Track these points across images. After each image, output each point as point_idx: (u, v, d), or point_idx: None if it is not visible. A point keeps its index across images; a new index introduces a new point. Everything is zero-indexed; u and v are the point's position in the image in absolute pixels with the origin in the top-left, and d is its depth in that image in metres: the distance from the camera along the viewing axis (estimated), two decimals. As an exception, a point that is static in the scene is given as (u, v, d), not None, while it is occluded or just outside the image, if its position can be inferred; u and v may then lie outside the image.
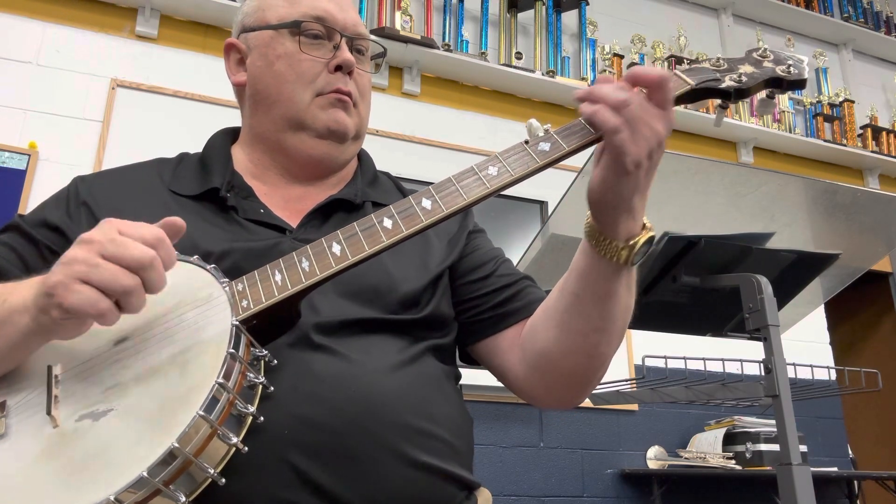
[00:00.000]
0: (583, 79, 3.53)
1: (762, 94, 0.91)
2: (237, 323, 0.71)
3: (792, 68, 0.87)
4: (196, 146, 1.06)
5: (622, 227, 0.78)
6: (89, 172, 1.02)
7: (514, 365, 0.95)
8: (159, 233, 0.70)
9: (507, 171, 0.77)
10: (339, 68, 0.97)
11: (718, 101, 0.88)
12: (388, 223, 0.76)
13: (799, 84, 0.88)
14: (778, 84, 0.88)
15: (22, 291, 0.72)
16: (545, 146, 0.79)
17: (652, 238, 0.79)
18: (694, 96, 0.86)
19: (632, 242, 0.78)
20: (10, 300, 0.73)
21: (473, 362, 1.04)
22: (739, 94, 0.86)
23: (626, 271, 0.82)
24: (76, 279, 0.66)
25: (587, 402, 1.07)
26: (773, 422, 1.37)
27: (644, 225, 0.80)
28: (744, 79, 0.86)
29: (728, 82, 0.86)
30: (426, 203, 0.77)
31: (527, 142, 0.80)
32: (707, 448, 3.04)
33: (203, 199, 0.94)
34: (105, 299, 0.66)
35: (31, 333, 0.71)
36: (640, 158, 0.73)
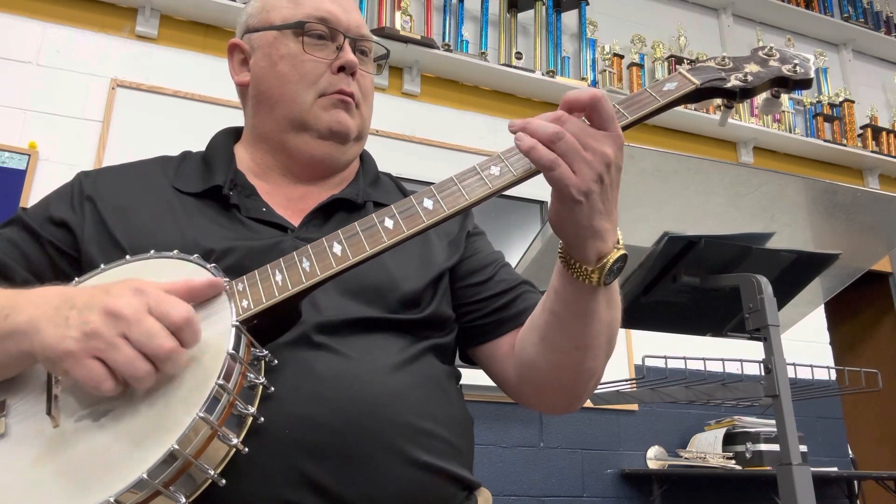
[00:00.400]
0: (583, 79, 3.53)
1: (767, 93, 0.90)
2: (237, 323, 0.70)
3: (798, 67, 0.86)
4: (196, 146, 1.06)
5: (590, 250, 0.76)
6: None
7: (509, 372, 0.96)
8: (188, 314, 0.67)
9: (509, 171, 0.77)
10: (342, 69, 0.97)
11: (722, 101, 0.88)
12: (389, 223, 0.76)
13: (805, 83, 0.87)
14: (784, 83, 0.87)
15: (28, 310, 0.70)
16: None
17: (623, 257, 0.78)
18: (699, 96, 0.85)
19: (601, 264, 0.77)
20: (13, 317, 0.71)
21: (472, 363, 1.04)
22: (745, 93, 0.85)
23: (603, 290, 0.81)
24: (91, 355, 0.65)
25: (587, 402, 1.06)
26: (773, 422, 1.37)
27: (618, 242, 0.78)
28: (749, 78, 0.85)
29: (733, 81, 0.85)
30: (428, 203, 0.77)
31: None
32: (707, 448, 3.04)
33: (206, 196, 0.94)
34: (111, 380, 0.65)
35: (30, 357, 0.70)
36: (587, 187, 0.72)
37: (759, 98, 0.90)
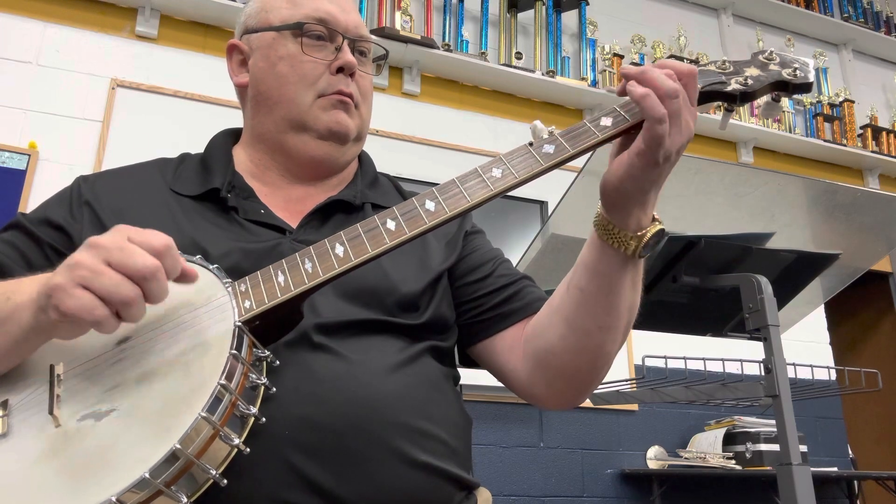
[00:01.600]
0: (583, 79, 3.53)
1: (768, 97, 0.90)
2: (240, 324, 0.71)
3: (798, 71, 0.87)
4: (196, 146, 1.06)
5: (633, 218, 0.78)
6: (89, 172, 1.02)
7: (516, 365, 0.95)
8: (167, 241, 0.69)
9: (511, 174, 0.77)
10: (340, 70, 0.97)
11: (723, 104, 0.88)
12: (391, 225, 0.76)
13: (805, 87, 0.88)
14: (784, 87, 0.88)
15: (27, 289, 0.72)
16: (549, 148, 0.78)
17: (661, 231, 0.79)
18: (700, 99, 0.85)
19: (641, 233, 0.79)
20: (14, 298, 0.73)
21: (473, 364, 1.04)
22: (745, 97, 0.86)
23: (633, 265, 0.82)
24: (77, 284, 0.66)
25: (587, 402, 1.06)
26: (773, 422, 1.37)
27: (654, 218, 0.80)
28: (749, 82, 0.86)
29: (734, 85, 0.85)
30: (430, 205, 0.77)
31: (531, 144, 0.79)
32: (707, 448, 3.04)
33: (204, 199, 0.94)
34: (103, 307, 0.65)
35: (31, 331, 0.71)
36: (671, 152, 0.74)
37: (760, 101, 0.90)
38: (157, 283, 0.67)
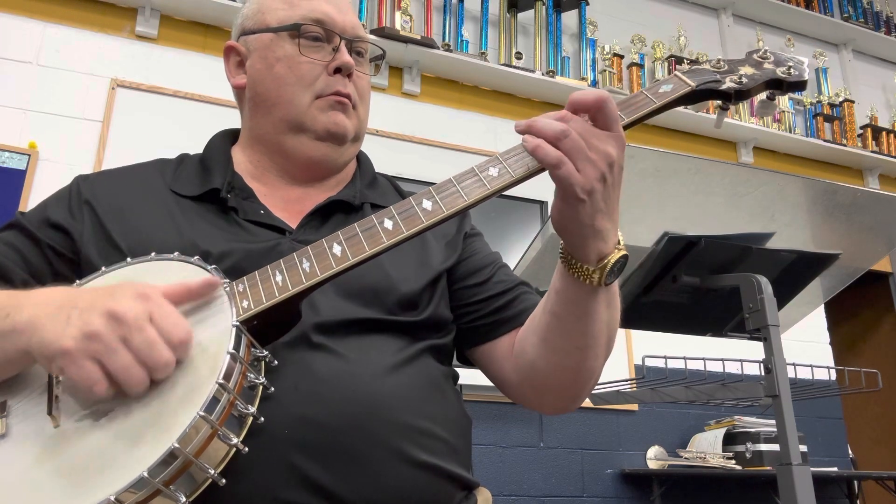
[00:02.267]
0: (583, 79, 3.53)
1: (762, 95, 0.91)
2: (238, 323, 0.71)
3: (792, 70, 0.87)
4: (196, 146, 1.06)
5: (591, 249, 0.77)
6: (89, 172, 1.02)
7: (508, 373, 0.96)
8: (186, 336, 0.68)
9: (507, 173, 0.77)
10: (338, 71, 0.97)
11: (719, 103, 0.88)
12: (388, 224, 0.76)
13: (799, 86, 0.88)
14: (778, 85, 0.88)
15: (29, 309, 0.70)
16: None
17: (624, 258, 0.78)
18: (694, 98, 0.86)
19: (602, 264, 0.78)
20: (13, 316, 0.71)
21: (469, 363, 1.04)
22: (740, 95, 0.86)
23: (603, 291, 0.81)
24: (89, 356, 0.65)
25: (587, 402, 1.07)
26: (773, 422, 1.37)
27: (618, 242, 0.79)
28: (744, 80, 0.86)
29: (728, 84, 0.86)
30: (427, 204, 0.77)
31: None
32: (707, 448, 3.04)
33: (203, 199, 0.94)
34: (105, 381, 0.65)
35: (28, 356, 0.70)
36: (591, 185, 0.73)
37: (756, 99, 0.90)
38: (166, 374, 0.67)
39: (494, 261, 1.04)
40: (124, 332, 0.65)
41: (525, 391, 0.95)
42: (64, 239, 0.90)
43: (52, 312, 0.69)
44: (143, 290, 0.69)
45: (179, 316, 0.69)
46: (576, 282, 0.80)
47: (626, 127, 0.80)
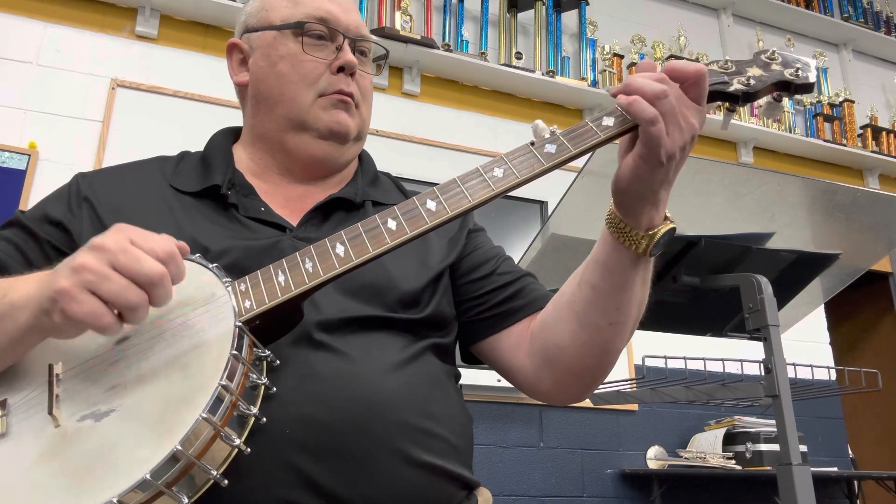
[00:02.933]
0: (583, 79, 3.53)
1: (769, 97, 0.90)
2: (240, 324, 0.70)
3: (800, 72, 0.87)
4: (196, 146, 1.06)
5: (645, 217, 0.78)
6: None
7: (522, 361, 0.95)
8: (171, 247, 0.69)
9: (512, 174, 0.77)
10: (341, 69, 0.97)
11: (725, 104, 0.88)
12: (392, 224, 0.76)
13: (807, 88, 0.88)
14: (786, 87, 0.88)
15: (24, 287, 0.72)
16: (551, 148, 0.78)
17: (673, 229, 0.80)
18: None
19: (652, 232, 0.79)
20: (10, 296, 0.72)
21: (475, 362, 1.04)
22: (747, 97, 0.86)
23: (644, 263, 0.83)
24: (83, 288, 0.65)
25: (587, 402, 1.07)
26: (773, 422, 1.37)
27: (666, 216, 0.80)
28: (752, 82, 0.86)
29: (736, 85, 0.85)
30: (431, 204, 0.77)
31: (532, 143, 0.79)
32: (707, 448, 3.04)
33: (204, 196, 0.94)
34: (109, 312, 0.65)
35: (28, 330, 0.71)
36: (674, 150, 0.74)
37: (761, 101, 0.90)
38: (163, 288, 0.67)
39: (498, 254, 1.04)
40: (109, 257, 0.66)
41: (541, 376, 0.94)
42: (63, 235, 0.90)
43: (43, 277, 0.70)
44: (120, 226, 0.71)
45: (160, 236, 0.70)
46: (619, 249, 0.81)
47: (633, 128, 0.80)
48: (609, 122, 0.78)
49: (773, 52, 0.89)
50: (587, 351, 0.89)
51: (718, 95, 0.85)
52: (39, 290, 0.69)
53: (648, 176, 0.76)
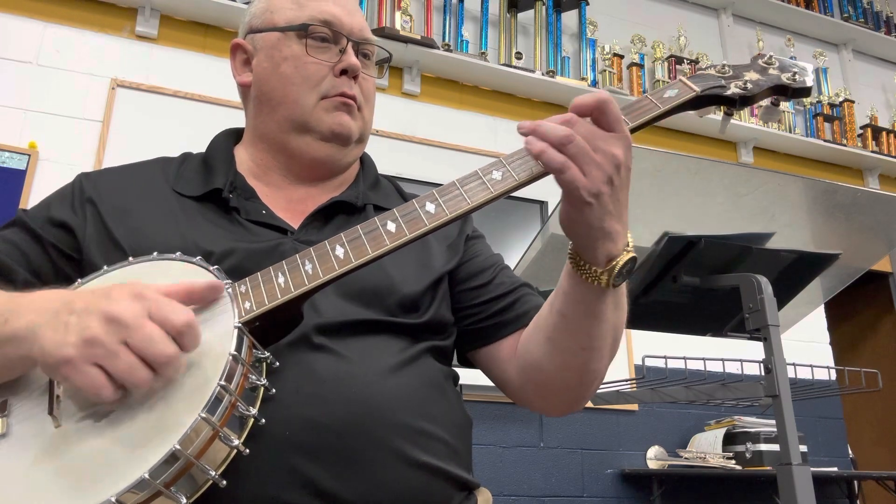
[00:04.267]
0: (583, 79, 3.53)
1: (767, 101, 0.91)
2: (240, 325, 0.71)
3: (797, 76, 0.87)
4: (196, 146, 1.06)
5: (600, 251, 0.76)
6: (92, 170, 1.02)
7: (511, 375, 0.96)
8: (189, 318, 0.67)
9: (511, 176, 0.77)
10: (344, 72, 0.97)
11: (723, 108, 0.88)
12: (391, 227, 0.76)
13: (804, 92, 0.88)
14: (783, 91, 0.88)
15: (27, 317, 0.70)
16: None
17: (632, 260, 0.78)
18: (699, 103, 0.86)
19: (610, 266, 0.77)
20: (12, 322, 0.70)
21: (470, 364, 1.04)
22: (744, 101, 0.86)
23: (611, 293, 0.81)
24: (91, 363, 0.64)
25: (587, 402, 1.07)
26: (773, 422, 1.37)
27: (628, 244, 0.78)
28: (749, 86, 0.86)
29: (733, 89, 0.85)
30: (430, 207, 0.77)
31: None
32: (707, 448, 3.04)
33: (206, 199, 0.94)
34: (110, 386, 0.64)
35: (29, 361, 0.70)
36: (597, 188, 0.72)
37: (761, 104, 0.90)
38: (172, 368, 0.66)
39: (496, 263, 1.04)
40: (123, 334, 0.64)
41: (528, 392, 0.95)
42: (67, 237, 0.89)
43: (49, 318, 0.68)
44: (139, 289, 0.68)
45: (178, 304, 0.67)
46: (583, 283, 0.80)
47: (631, 131, 0.80)
48: None
49: (771, 56, 0.89)
50: (565, 373, 0.89)
51: (716, 99, 0.85)
52: (45, 339, 0.66)
53: (581, 217, 0.74)
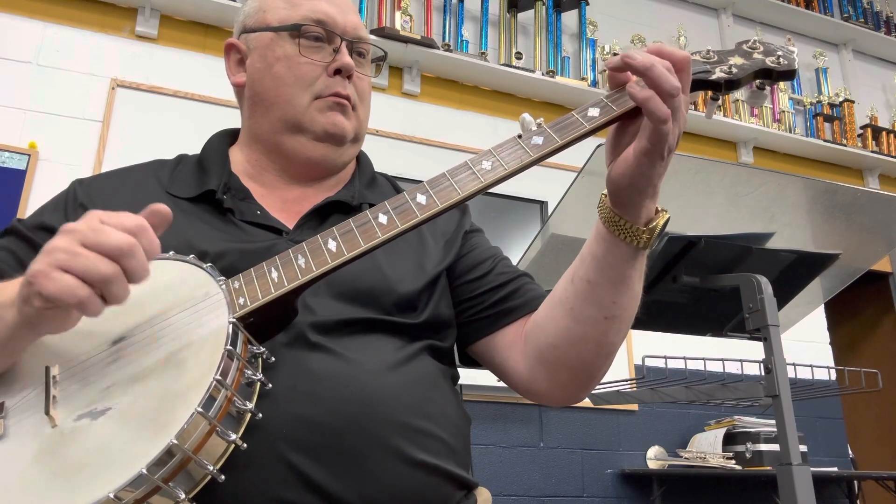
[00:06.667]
0: (583, 79, 3.53)
1: (753, 85, 0.91)
2: (234, 320, 0.71)
3: (782, 59, 0.87)
4: (196, 146, 1.06)
5: (644, 210, 0.79)
6: (89, 173, 1.02)
7: (517, 361, 0.95)
8: (140, 221, 0.69)
9: (500, 166, 0.77)
10: (338, 72, 0.97)
11: (709, 93, 0.88)
12: (383, 219, 0.76)
13: (788, 75, 0.88)
14: (768, 75, 0.88)
15: (10, 289, 0.72)
16: (538, 140, 0.79)
17: (668, 219, 0.80)
18: None
19: (651, 225, 0.79)
20: None
21: (473, 364, 1.04)
22: (730, 85, 0.86)
23: (642, 256, 0.83)
24: (55, 267, 0.65)
25: (587, 402, 1.06)
26: (773, 422, 1.37)
27: (657, 208, 0.81)
28: (734, 70, 0.86)
29: (718, 74, 0.86)
30: (421, 198, 0.77)
31: (520, 136, 0.80)
32: (707, 448, 3.04)
33: (200, 200, 0.94)
34: (84, 287, 0.65)
35: (18, 327, 0.70)
36: (674, 144, 0.75)
37: (747, 90, 0.90)
38: (136, 259, 0.66)
39: (494, 254, 1.04)
40: (79, 236, 0.66)
41: (537, 376, 0.93)
42: None
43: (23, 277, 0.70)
44: (91, 211, 0.70)
45: (130, 214, 0.69)
46: (618, 245, 0.80)
47: (617, 118, 0.79)
48: (594, 112, 0.79)
49: (755, 41, 0.89)
50: (582, 346, 0.88)
51: (701, 84, 0.85)
52: (21, 283, 0.69)
53: (651, 171, 0.75)
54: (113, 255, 0.66)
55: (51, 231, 0.90)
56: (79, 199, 0.93)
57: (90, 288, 0.65)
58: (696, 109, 3.51)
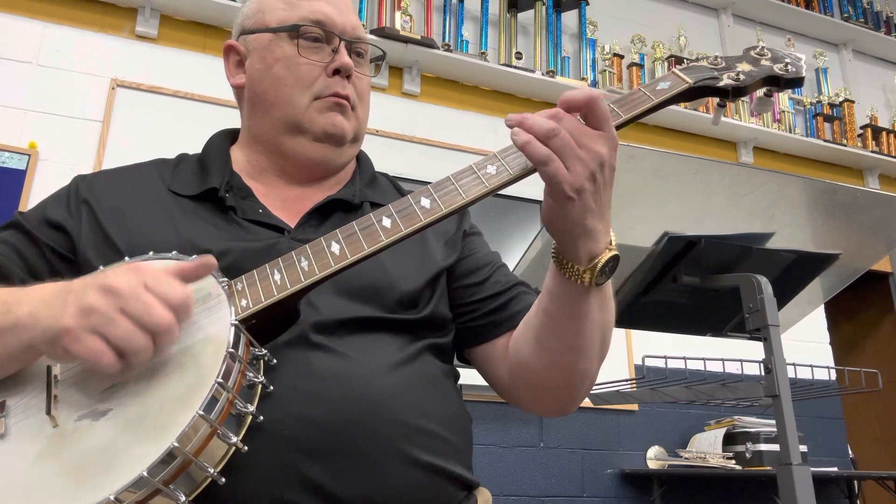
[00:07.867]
0: (583, 79, 3.53)
1: (760, 92, 0.91)
2: (236, 322, 0.71)
3: (790, 66, 0.87)
4: (196, 146, 1.06)
5: (582, 250, 0.76)
6: (89, 172, 1.02)
7: (503, 374, 0.96)
8: (185, 297, 0.68)
9: (505, 170, 0.77)
10: (337, 72, 0.97)
11: (717, 100, 0.88)
12: (386, 222, 0.76)
13: (796, 82, 0.88)
14: (775, 82, 0.88)
15: (28, 304, 0.71)
16: None
17: (615, 258, 0.78)
18: (692, 95, 0.86)
19: (592, 264, 0.77)
20: (14, 311, 0.72)
21: (468, 363, 1.04)
22: (737, 92, 0.86)
23: (595, 292, 0.81)
24: (89, 331, 0.65)
25: (587, 402, 1.06)
26: (773, 422, 1.37)
27: (610, 243, 0.78)
28: (741, 77, 0.86)
29: (726, 80, 0.85)
30: (425, 202, 0.77)
31: None
32: (707, 448, 3.04)
33: (202, 199, 0.94)
34: (111, 353, 0.65)
35: (29, 350, 0.71)
36: (580, 184, 0.72)
37: (754, 96, 0.90)
38: (170, 337, 0.67)
39: (493, 261, 1.04)
40: (120, 302, 0.65)
41: (520, 392, 0.95)
42: (62, 238, 0.90)
43: (50, 301, 0.70)
44: (135, 264, 0.70)
45: (175, 280, 0.69)
46: (567, 281, 0.79)
47: (624, 124, 0.80)
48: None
49: (763, 47, 0.89)
50: (553, 372, 0.88)
51: (709, 91, 0.85)
52: (46, 318, 0.68)
53: (563, 212, 0.74)
54: (150, 331, 0.66)
55: (54, 226, 0.90)
56: (81, 194, 0.93)
57: (115, 353, 0.65)
58: (696, 110, 3.51)
